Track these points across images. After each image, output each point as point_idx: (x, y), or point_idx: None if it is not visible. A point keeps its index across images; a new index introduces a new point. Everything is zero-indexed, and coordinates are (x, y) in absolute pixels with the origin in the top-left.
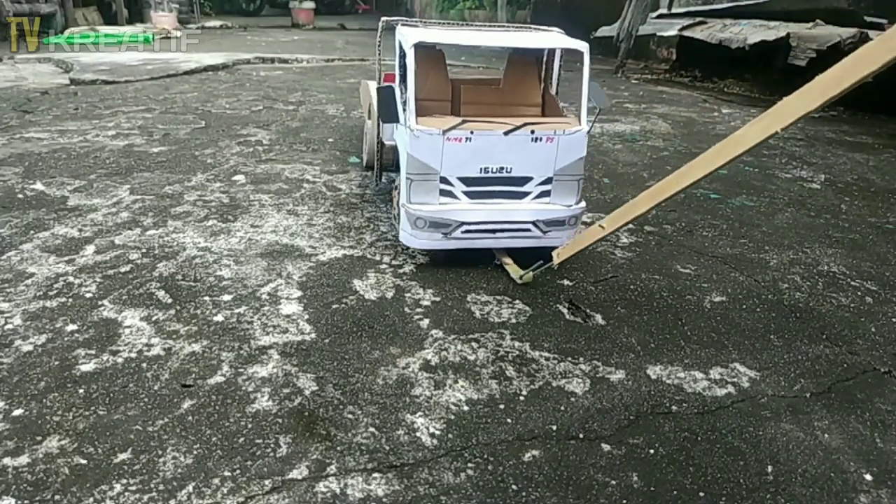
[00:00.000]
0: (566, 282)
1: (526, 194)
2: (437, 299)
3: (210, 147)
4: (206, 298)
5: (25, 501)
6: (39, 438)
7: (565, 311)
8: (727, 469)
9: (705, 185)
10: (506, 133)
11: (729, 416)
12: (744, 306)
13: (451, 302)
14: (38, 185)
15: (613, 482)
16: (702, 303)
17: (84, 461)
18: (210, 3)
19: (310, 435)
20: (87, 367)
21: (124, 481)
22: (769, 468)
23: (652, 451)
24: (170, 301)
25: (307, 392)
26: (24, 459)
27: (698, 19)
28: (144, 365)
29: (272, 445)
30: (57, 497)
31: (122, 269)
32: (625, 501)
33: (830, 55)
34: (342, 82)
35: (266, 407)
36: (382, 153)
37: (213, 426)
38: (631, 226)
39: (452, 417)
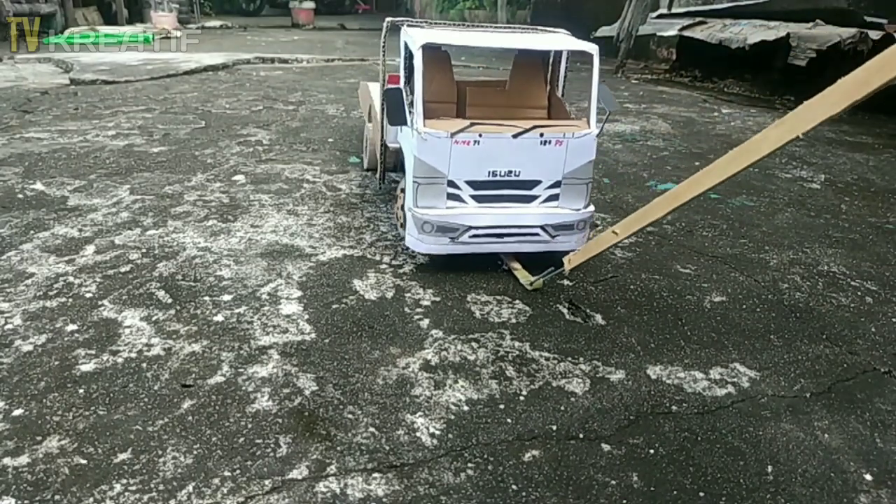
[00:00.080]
0: (566, 282)
1: (534, 198)
2: (437, 299)
3: (210, 147)
4: (206, 298)
5: (25, 501)
6: (39, 438)
7: (565, 311)
8: (727, 469)
9: None
10: (514, 136)
11: (729, 416)
12: (744, 306)
13: (451, 302)
14: (38, 185)
15: (613, 482)
16: (702, 303)
17: (84, 461)
18: (210, 3)
19: (310, 435)
20: (87, 367)
21: (124, 481)
22: (769, 468)
23: (652, 451)
24: (170, 301)
25: (307, 392)
26: (24, 459)
27: (698, 19)
28: (144, 365)
29: (272, 445)
30: (57, 497)
31: (122, 269)
32: (625, 501)
33: (830, 55)
34: (342, 82)
35: (266, 407)
36: (386, 156)
37: (213, 426)
38: None
39: (452, 417)
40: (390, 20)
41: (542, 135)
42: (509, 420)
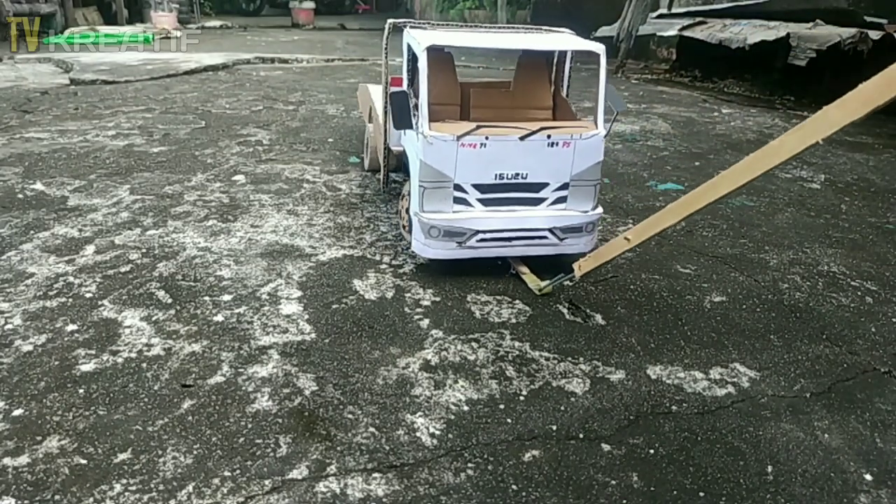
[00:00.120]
0: (566, 281)
1: (542, 201)
2: (437, 299)
3: (210, 147)
4: (206, 298)
5: (25, 501)
6: (39, 438)
7: (565, 311)
8: (727, 469)
9: None
10: (521, 138)
11: (729, 416)
12: (744, 306)
13: (451, 302)
14: (38, 185)
15: (613, 482)
16: (702, 303)
17: (84, 461)
18: (210, 3)
19: (310, 435)
20: (87, 367)
21: (124, 481)
22: (769, 468)
23: (652, 451)
24: (170, 301)
25: (307, 392)
26: (24, 459)
27: (698, 19)
28: (144, 365)
29: (272, 445)
30: (57, 497)
31: (122, 269)
32: (625, 501)
33: (830, 55)
34: (342, 82)
35: (266, 407)
36: (389, 159)
37: (213, 426)
38: (630, 224)
39: (452, 417)
40: (393, 21)
41: (549, 136)
42: (509, 420)
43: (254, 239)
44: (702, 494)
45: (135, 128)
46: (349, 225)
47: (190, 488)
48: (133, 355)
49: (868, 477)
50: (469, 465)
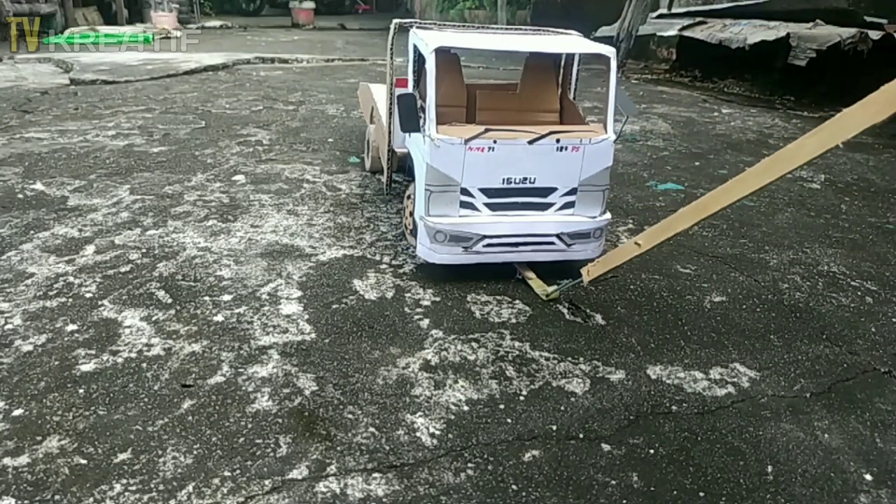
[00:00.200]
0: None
1: (549, 205)
2: (437, 299)
3: (210, 147)
4: (206, 298)
5: (25, 501)
6: (39, 438)
7: (565, 311)
8: (727, 469)
9: (705, 184)
10: (530, 142)
11: (729, 416)
12: (744, 306)
13: (451, 302)
14: (38, 185)
15: (613, 482)
16: (702, 303)
17: (84, 461)
18: (210, 3)
19: (310, 435)
20: (87, 367)
21: (124, 481)
22: (769, 468)
23: (652, 451)
24: (170, 301)
25: (307, 392)
26: (24, 459)
27: (698, 19)
28: (144, 365)
29: (272, 445)
30: (57, 497)
31: (122, 269)
32: (625, 501)
33: (830, 55)
34: (342, 82)
35: (266, 407)
36: (393, 161)
37: (213, 426)
38: (630, 225)
39: (452, 417)
40: (398, 21)
41: (558, 140)
42: (509, 420)
43: (254, 239)
44: (702, 494)
45: (135, 128)
46: (349, 225)
47: (190, 488)
48: (133, 355)
49: (868, 477)
50: (469, 465)
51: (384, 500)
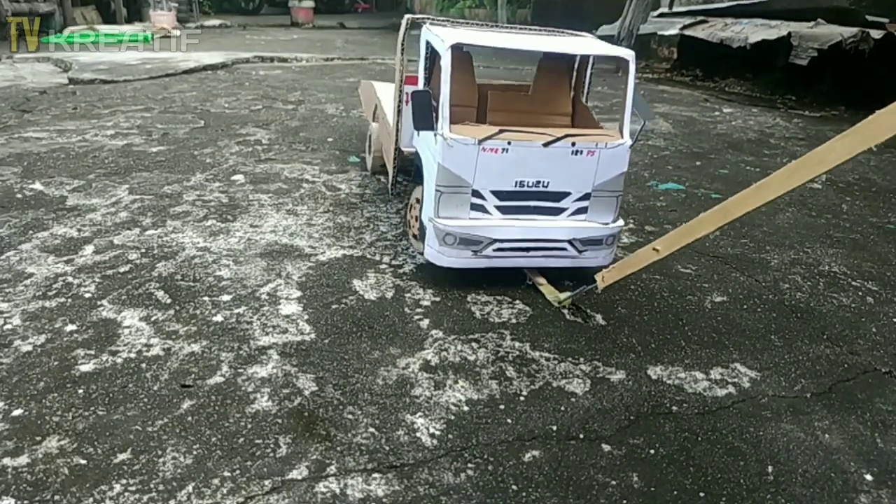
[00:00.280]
0: (567, 282)
1: (562, 210)
2: (437, 299)
3: (209, 147)
4: (206, 298)
5: (25, 501)
6: (39, 439)
7: (565, 311)
8: (727, 469)
9: (706, 184)
10: (545, 145)
11: (729, 416)
12: (744, 306)
13: (451, 302)
14: (37, 185)
15: (614, 482)
16: (702, 303)
17: (84, 461)
18: (209, 2)
19: (310, 435)
20: (87, 367)
21: (124, 481)
22: (769, 468)
23: (652, 452)
24: (169, 301)
25: (307, 392)
26: (23, 459)
27: (699, 18)
28: (144, 365)
29: (272, 446)
30: (56, 497)
31: (121, 270)
32: (625, 501)
33: (832, 54)
34: (342, 81)
35: (266, 407)
36: (400, 160)
37: (213, 426)
38: (631, 225)
39: (452, 418)
40: (410, 17)
41: (573, 144)
42: (509, 420)
43: (253, 239)
44: (702, 495)
45: (133, 127)
46: (349, 225)
47: (190, 488)
48: (132, 355)
49: (868, 477)
50: (469, 465)
51: (384, 500)
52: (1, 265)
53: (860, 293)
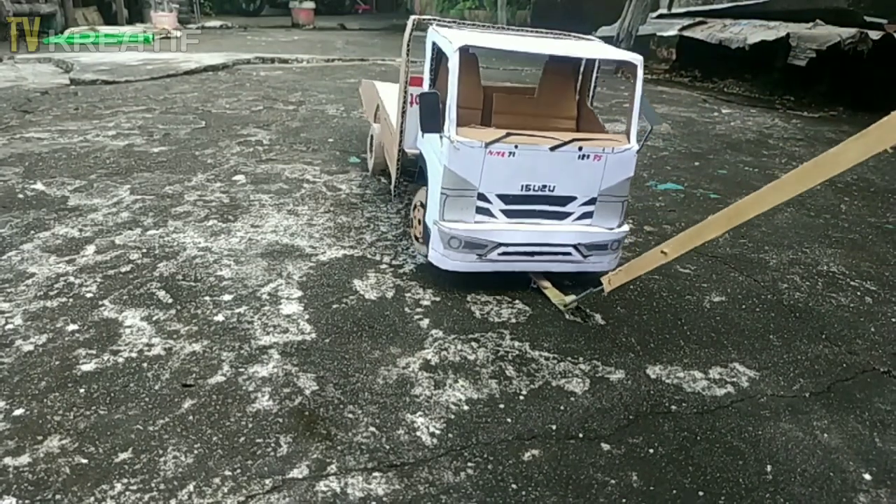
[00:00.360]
0: (566, 282)
1: (567, 215)
2: (437, 299)
3: (210, 147)
4: (207, 298)
5: (26, 501)
6: (40, 438)
7: (565, 311)
8: (726, 468)
9: (705, 184)
10: (552, 148)
11: (728, 415)
12: (743, 306)
13: (451, 302)
14: (39, 185)
15: (613, 481)
16: (701, 303)
17: (85, 461)
18: (210, 3)
19: (310, 434)
20: (88, 366)
21: (125, 481)
22: (768, 468)
23: (651, 451)
24: (170, 301)
25: (307, 392)
26: (24, 459)
27: (698, 19)
28: (145, 365)
29: (273, 445)
30: (58, 497)
31: (123, 269)
32: (624, 501)
33: (830, 55)
34: (342, 82)
35: (266, 406)
36: (403, 162)
37: (214, 426)
38: (631, 224)
39: (452, 417)
40: (416, 18)
41: (580, 148)
42: (509, 420)
43: (254, 239)
44: (701, 494)
45: (135, 128)
46: (349, 225)
47: (191, 487)
48: (134, 355)
49: (867, 476)
50: (469, 464)
51: (384, 499)
52: (2, 265)
53: (859, 293)
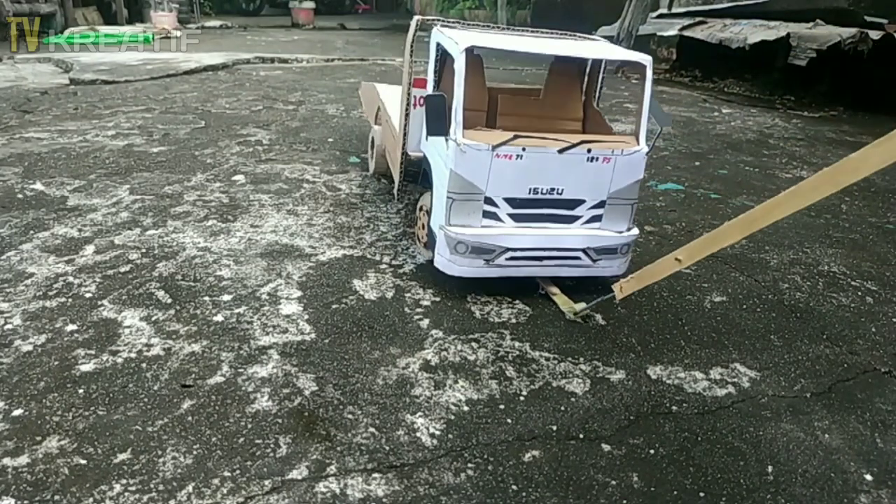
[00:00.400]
0: (568, 282)
1: (576, 218)
2: (437, 299)
3: (210, 147)
4: (206, 298)
5: (25, 502)
6: (39, 438)
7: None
8: (727, 469)
9: (705, 184)
10: (560, 151)
11: (729, 416)
12: (744, 306)
13: (451, 302)
14: (38, 185)
15: (613, 482)
16: (702, 303)
17: (84, 461)
18: (210, 3)
19: (310, 435)
20: (87, 367)
21: (124, 481)
22: (769, 468)
23: (652, 452)
24: (169, 301)
25: (307, 392)
26: (23, 459)
27: (698, 19)
28: (144, 365)
29: (272, 445)
30: (56, 497)
31: (122, 269)
32: (625, 501)
33: (831, 55)
34: (342, 82)
35: (266, 407)
36: (406, 165)
37: (213, 426)
38: None
39: (452, 417)
40: (420, 18)
41: (589, 150)
42: (509, 420)
43: (253, 239)
44: (702, 495)
45: (134, 128)
46: (349, 225)
47: (190, 488)
48: (133, 355)
49: (868, 477)
50: (469, 465)
51: (384, 500)
52: (2, 265)
53: (859, 293)
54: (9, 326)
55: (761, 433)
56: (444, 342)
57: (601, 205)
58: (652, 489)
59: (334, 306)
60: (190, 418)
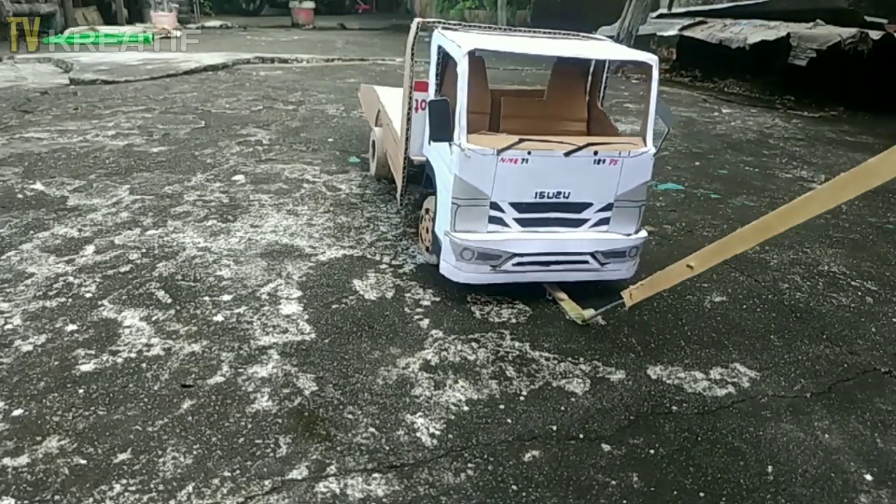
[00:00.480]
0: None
1: (583, 222)
2: (437, 299)
3: (210, 147)
4: (206, 298)
5: (25, 502)
6: (39, 438)
7: (562, 309)
8: (727, 469)
9: (705, 184)
10: (566, 154)
11: (729, 416)
12: (744, 306)
13: (451, 302)
14: (38, 185)
15: (613, 482)
16: (702, 303)
17: (84, 461)
18: (210, 3)
19: (310, 435)
20: (87, 367)
21: (124, 481)
22: (769, 468)
23: (652, 452)
24: (169, 301)
25: (307, 392)
26: (23, 459)
27: (698, 19)
28: (144, 365)
29: (272, 445)
30: (56, 497)
31: (122, 269)
32: (625, 501)
33: (831, 55)
34: (342, 82)
35: (266, 407)
36: (409, 170)
37: (213, 426)
38: None
39: (452, 417)
40: (421, 20)
41: (595, 153)
42: (509, 420)
43: (253, 239)
44: (702, 494)
45: (134, 128)
46: (349, 225)
47: (190, 488)
48: (133, 355)
49: (868, 477)
50: (469, 465)
51: (384, 500)
52: (2, 265)
53: (859, 293)
54: (9, 326)
55: (761, 433)
56: (444, 342)
57: (608, 207)
58: (652, 489)
59: (334, 306)
60: (190, 418)
